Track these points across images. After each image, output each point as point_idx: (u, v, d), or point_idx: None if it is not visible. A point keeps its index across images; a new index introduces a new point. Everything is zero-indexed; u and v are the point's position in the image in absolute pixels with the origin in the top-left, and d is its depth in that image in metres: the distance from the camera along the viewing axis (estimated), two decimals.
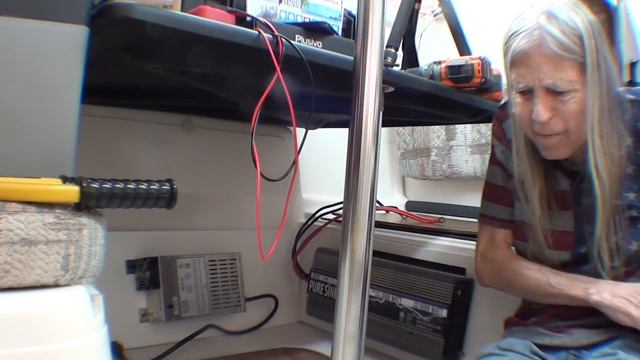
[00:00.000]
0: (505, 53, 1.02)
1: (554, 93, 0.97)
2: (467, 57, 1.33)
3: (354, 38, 1.08)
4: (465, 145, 2.15)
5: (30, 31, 0.73)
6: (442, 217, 1.85)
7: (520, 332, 1.10)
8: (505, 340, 1.08)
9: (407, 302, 1.49)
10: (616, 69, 1.01)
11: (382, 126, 0.98)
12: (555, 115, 0.98)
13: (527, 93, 1.00)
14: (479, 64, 1.30)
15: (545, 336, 1.06)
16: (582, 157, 1.03)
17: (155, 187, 0.75)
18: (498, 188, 1.20)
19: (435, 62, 1.34)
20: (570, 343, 1.04)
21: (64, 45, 0.75)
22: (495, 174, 1.21)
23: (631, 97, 1.03)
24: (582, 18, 0.96)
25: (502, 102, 1.28)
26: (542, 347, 1.05)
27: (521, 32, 0.98)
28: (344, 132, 1.00)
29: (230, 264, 1.72)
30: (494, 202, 1.21)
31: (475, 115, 1.49)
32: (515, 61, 0.99)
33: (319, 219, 1.85)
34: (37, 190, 0.65)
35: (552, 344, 1.05)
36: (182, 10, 0.93)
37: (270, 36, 0.98)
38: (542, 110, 0.97)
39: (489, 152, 1.24)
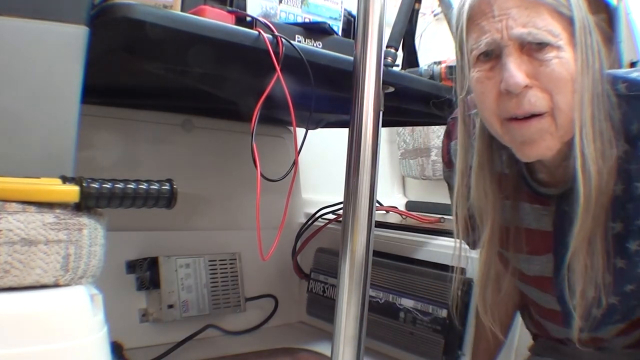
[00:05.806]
0: (459, 17, 0.75)
1: (530, 50, 0.70)
2: None
3: (354, 38, 1.08)
4: None
5: (30, 31, 0.73)
6: (442, 217, 1.85)
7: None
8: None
9: (407, 302, 1.49)
10: (606, 52, 0.73)
11: (382, 126, 0.98)
12: (535, 83, 0.70)
13: (492, 57, 0.72)
14: None
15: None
16: (568, 171, 0.75)
17: (155, 187, 0.75)
18: None
19: (435, 62, 1.34)
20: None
21: (64, 45, 0.75)
22: None
23: (623, 88, 0.74)
24: None
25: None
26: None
27: None
28: (344, 132, 1.00)
29: (230, 264, 1.72)
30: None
31: None
32: (474, 16, 0.72)
33: (319, 219, 1.84)
34: (37, 190, 0.65)
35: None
36: (182, 10, 0.93)
37: (270, 36, 0.98)
38: (515, 70, 0.69)
39: None
